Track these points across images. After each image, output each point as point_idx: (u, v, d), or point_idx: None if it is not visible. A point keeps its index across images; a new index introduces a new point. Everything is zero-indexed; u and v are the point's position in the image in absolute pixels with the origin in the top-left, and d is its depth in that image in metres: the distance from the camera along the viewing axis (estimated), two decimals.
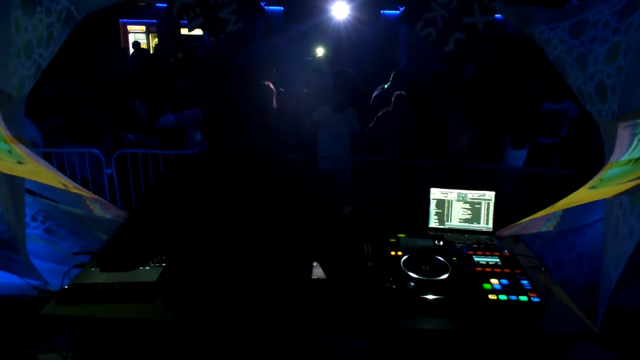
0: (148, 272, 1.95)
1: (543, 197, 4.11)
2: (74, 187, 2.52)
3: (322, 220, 1.29)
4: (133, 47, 10.79)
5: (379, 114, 4.61)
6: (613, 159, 1.98)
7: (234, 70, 1.33)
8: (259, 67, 1.40)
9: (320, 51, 9.34)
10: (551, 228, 2.62)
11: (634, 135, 1.84)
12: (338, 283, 1.35)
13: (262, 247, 1.24)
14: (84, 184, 4.35)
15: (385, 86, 5.33)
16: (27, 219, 2.60)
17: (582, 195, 2.14)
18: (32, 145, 2.36)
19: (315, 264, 1.87)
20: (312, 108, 4.53)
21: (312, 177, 1.31)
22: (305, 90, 5.18)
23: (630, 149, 1.84)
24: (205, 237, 1.24)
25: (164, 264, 2.01)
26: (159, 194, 1.31)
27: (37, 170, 2.23)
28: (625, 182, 1.76)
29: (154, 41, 14.86)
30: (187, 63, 7.41)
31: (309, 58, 6.41)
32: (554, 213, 2.51)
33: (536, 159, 4.98)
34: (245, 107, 1.30)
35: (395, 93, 4.55)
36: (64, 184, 2.42)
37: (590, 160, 4.33)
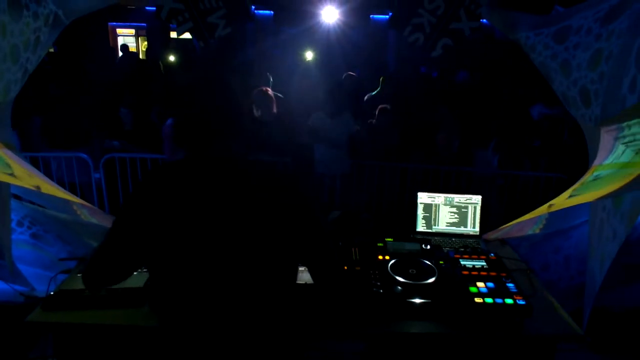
0: (135, 278, 1.94)
1: (530, 200, 4.15)
2: (61, 192, 2.50)
3: (304, 224, 1.30)
4: (121, 50, 10.72)
5: (365, 124, 4.67)
6: (597, 162, 2.01)
7: (213, 75, 1.32)
8: (248, 70, 1.40)
9: (309, 55, 9.36)
10: (537, 231, 2.64)
11: (616, 139, 1.87)
12: (321, 286, 1.36)
13: (245, 253, 1.24)
14: (72, 189, 4.32)
15: (374, 93, 5.37)
16: (13, 224, 2.57)
17: (566, 199, 2.17)
18: (18, 150, 2.34)
19: (303, 268, 1.88)
20: (305, 113, 4.54)
21: (293, 182, 1.32)
22: (299, 96, 5.20)
23: (614, 153, 1.88)
24: (187, 245, 1.24)
25: None
26: (139, 205, 1.28)
27: (24, 177, 2.21)
28: (609, 187, 1.79)
29: (143, 44, 14.79)
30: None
31: (297, 63, 6.43)
32: (540, 216, 2.54)
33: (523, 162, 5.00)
34: (223, 112, 1.28)
35: (379, 106, 4.60)
36: (50, 189, 2.40)
37: (575, 163, 4.37)
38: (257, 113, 4.20)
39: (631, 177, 1.66)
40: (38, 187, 2.34)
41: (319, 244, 1.34)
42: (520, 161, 4.45)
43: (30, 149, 4.37)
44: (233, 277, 1.25)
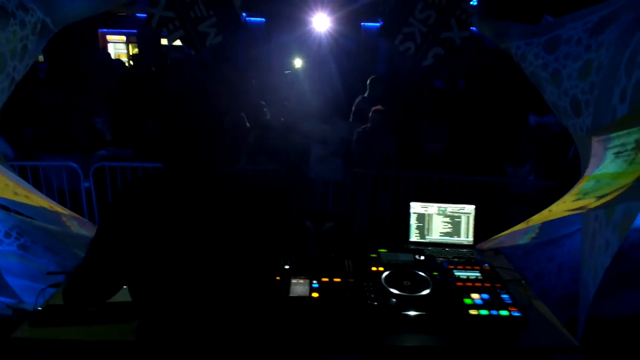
0: (125, 291, 1.89)
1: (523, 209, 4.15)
2: (50, 204, 2.46)
3: (282, 238, 1.31)
4: (105, 57, 10.60)
5: (358, 130, 4.65)
6: (588, 172, 2.02)
7: (194, 84, 1.29)
8: (238, 78, 1.39)
9: (298, 62, 9.37)
10: (530, 240, 2.65)
11: (607, 149, 1.88)
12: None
13: (221, 266, 1.23)
14: (61, 197, 4.26)
15: (365, 94, 5.37)
16: (1, 235, 2.52)
17: (557, 209, 2.17)
18: (5, 160, 2.30)
19: (295, 281, 1.87)
20: (295, 119, 4.53)
21: (272, 196, 1.30)
22: (286, 103, 5.18)
23: (605, 163, 1.88)
24: (164, 261, 1.22)
25: None
26: (116, 221, 1.25)
27: (10, 188, 2.17)
28: (601, 197, 1.79)
29: (133, 51, 14.72)
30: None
31: (287, 71, 6.41)
32: (533, 225, 2.54)
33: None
34: (201, 122, 1.24)
35: (373, 108, 4.59)
36: (38, 201, 2.36)
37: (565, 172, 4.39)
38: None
39: (623, 188, 1.67)
40: (26, 198, 2.30)
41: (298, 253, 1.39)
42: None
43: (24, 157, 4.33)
44: (210, 291, 1.24)
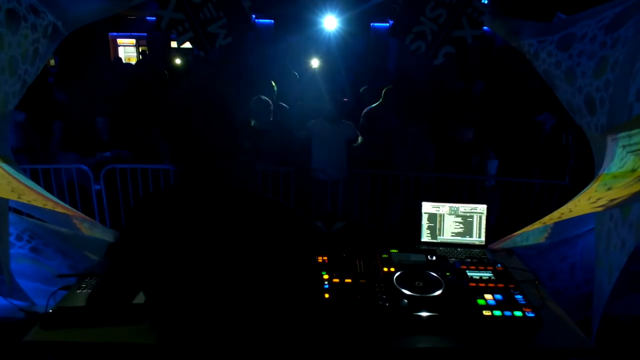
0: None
1: (535, 208, 4.10)
2: (61, 207, 2.47)
3: (295, 265, 1.25)
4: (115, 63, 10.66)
5: (365, 110, 4.66)
6: (603, 171, 1.99)
7: (207, 92, 1.22)
8: (249, 81, 1.35)
9: (315, 62, 9.37)
10: (543, 240, 2.61)
11: (623, 147, 1.84)
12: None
13: (236, 286, 1.20)
14: (72, 200, 4.29)
15: (375, 105, 5.29)
16: (12, 238, 2.54)
17: (572, 209, 2.14)
18: (16, 164, 2.31)
19: None
20: (306, 120, 4.52)
21: (291, 221, 1.24)
22: (300, 103, 5.15)
23: (620, 162, 1.85)
24: (183, 278, 1.21)
25: None
26: (133, 237, 1.26)
27: (22, 192, 2.18)
28: (617, 196, 1.76)
29: None
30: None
31: (295, 73, 6.38)
32: (546, 225, 2.51)
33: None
34: (218, 134, 1.19)
35: (385, 88, 4.60)
36: (50, 204, 2.37)
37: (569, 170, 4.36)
38: (253, 122, 4.19)
39: (638, 186, 1.64)
40: (36, 201, 2.31)
41: (306, 287, 1.30)
42: (526, 167, 4.40)
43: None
44: (223, 306, 1.22)
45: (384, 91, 4.66)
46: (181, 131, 1.18)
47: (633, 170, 1.73)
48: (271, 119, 4.17)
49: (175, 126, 1.19)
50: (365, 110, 4.75)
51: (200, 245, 1.19)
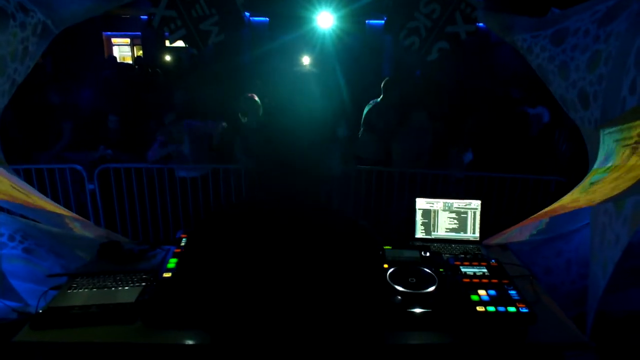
0: (126, 293, 1.89)
1: (530, 204, 4.10)
2: (52, 206, 2.45)
3: (365, 286, 1.19)
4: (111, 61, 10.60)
5: (369, 106, 4.63)
6: (597, 165, 1.98)
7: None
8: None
9: (306, 60, 9.34)
10: (538, 235, 2.61)
11: (616, 142, 1.84)
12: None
13: (309, 303, 1.14)
14: (66, 200, 4.26)
15: (378, 99, 5.24)
16: (5, 239, 2.52)
17: (567, 203, 2.13)
18: (7, 164, 2.29)
19: None
20: None
21: (367, 244, 1.19)
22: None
23: (614, 156, 1.84)
24: (244, 297, 1.14)
25: (143, 284, 1.95)
26: (199, 254, 1.19)
27: (13, 192, 2.16)
28: (610, 191, 1.75)
29: (138, 53, 14.77)
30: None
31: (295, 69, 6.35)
32: (540, 220, 2.50)
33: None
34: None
35: (385, 79, 4.57)
36: (42, 203, 2.35)
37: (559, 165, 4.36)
38: (243, 120, 4.17)
39: (633, 181, 1.63)
40: (28, 202, 2.29)
41: (372, 307, 1.24)
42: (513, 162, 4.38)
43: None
44: (294, 322, 1.16)
45: (382, 84, 4.63)
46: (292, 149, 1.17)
47: (626, 164, 1.72)
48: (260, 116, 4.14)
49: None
50: (370, 106, 4.70)
51: (278, 260, 1.13)
